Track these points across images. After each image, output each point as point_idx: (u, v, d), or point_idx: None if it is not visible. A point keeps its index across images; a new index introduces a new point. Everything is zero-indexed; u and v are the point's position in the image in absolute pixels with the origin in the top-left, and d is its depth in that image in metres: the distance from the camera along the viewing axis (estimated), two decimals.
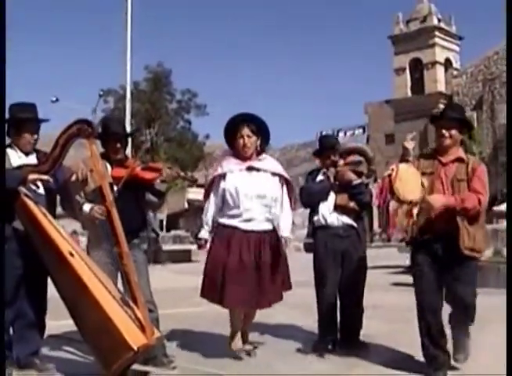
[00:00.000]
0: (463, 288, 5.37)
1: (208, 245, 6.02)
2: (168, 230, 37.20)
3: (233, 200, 5.88)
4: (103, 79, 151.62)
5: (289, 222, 6.07)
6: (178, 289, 12.14)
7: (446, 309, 5.55)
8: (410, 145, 5.70)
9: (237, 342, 6.07)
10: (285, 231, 6.02)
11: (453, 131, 5.52)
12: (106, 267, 5.31)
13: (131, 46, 27.53)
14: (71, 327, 5.49)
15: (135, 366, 5.20)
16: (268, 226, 5.95)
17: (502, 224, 17.01)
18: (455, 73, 53.37)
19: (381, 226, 47.26)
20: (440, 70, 53.27)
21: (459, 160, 5.51)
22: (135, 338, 4.70)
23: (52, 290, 5.36)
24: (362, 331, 6.57)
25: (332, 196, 6.51)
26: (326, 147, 6.70)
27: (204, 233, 6.06)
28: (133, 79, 42.56)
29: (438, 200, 5.28)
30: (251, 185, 5.90)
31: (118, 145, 5.66)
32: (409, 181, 5.26)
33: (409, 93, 54.51)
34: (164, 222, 39.71)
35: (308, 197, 6.62)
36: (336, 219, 6.47)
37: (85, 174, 5.31)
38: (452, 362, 5.53)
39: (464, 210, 5.27)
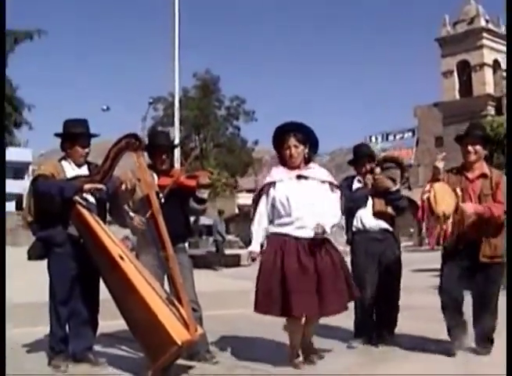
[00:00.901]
0: (484, 284, 6.02)
1: (261, 257, 5.88)
2: None
3: (284, 209, 5.77)
4: (153, 87, 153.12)
5: (332, 219, 5.77)
6: (224, 292, 12.46)
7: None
8: (441, 164, 6.11)
9: (297, 358, 5.87)
10: (325, 223, 5.68)
11: (478, 147, 6.14)
12: (153, 269, 5.71)
13: (179, 53, 27.89)
14: (121, 326, 5.98)
15: (180, 361, 5.62)
16: (310, 233, 5.71)
17: None
18: (504, 74, 52.87)
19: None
20: (488, 72, 52.75)
21: (484, 175, 6.10)
22: (179, 334, 5.14)
23: (103, 292, 5.82)
24: (397, 330, 6.88)
25: (370, 202, 6.85)
26: (362, 155, 7.04)
27: (256, 246, 5.88)
28: (182, 86, 43.39)
29: (470, 207, 5.86)
30: (301, 193, 5.80)
31: (164, 156, 6.06)
32: (445, 199, 5.84)
33: (457, 96, 54.12)
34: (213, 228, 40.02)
35: (348, 203, 6.75)
36: (374, 224, 6.80)
37: (133, 184, 5.72)
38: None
39: (492, 217, 5.86)
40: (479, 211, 5.85)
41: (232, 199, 52.37)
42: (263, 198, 5.94)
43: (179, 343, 5.08)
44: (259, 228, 5.92)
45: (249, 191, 60.58)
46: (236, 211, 58.54)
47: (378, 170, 6.93)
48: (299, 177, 5.88)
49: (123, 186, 5.68)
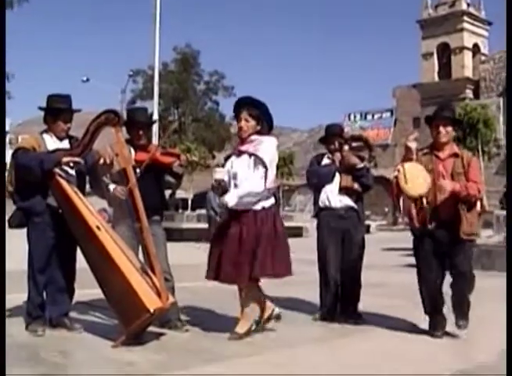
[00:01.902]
0: (461, 260, 6.07)
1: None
2: (194, 209, 37.69)
3: (226, 184, 6.10)
4: (133, 60, 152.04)
5: (240, 192, 5.88)
6: (196, 265, 12.61)
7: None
8: (413, 144, 6.26)
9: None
10: (228, 196, 5.92)
11: (449, 129, 6.24)
12: (129, 240, 5.97)
13: (159, 27, 27.94)
14: (96, 295, 6.27)
15: (152, 328, 5.90)
16: (249, 205, 5.93)
17: None
18: (482, 58, 53.21)
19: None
20: (467, 56, 53.07)
21: (455, 155, 6.20)
22: (151, 302, 5.43)
23: (80, 261, 6.05)
24: (365, 305, 7.17)
25: (337, 178, 7.09)
26: (331, 134, 7.30)
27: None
28: (162, 60, 43.27)
29: (448, 184, 5.96)
30: (233, 167, 6.09)
31: (141, 132, 6.28)
32: (415, 178, 5.94)
33: (437, 78, 54.45)
34: (190, 201, 40.22)
35: (315, 179, 7.19)
36: (338, 201, 7.04)
37: (111, 158, 5.93)
38: (454, 328, 6.22)
39: (468, 196, 5.99)
40: (456, 189, 5.93)
41: (209, 173, 52.38)
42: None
43: (151, 310, 5.37)
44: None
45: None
46: None
47: (346, 147, 7.16)
48: (240, 152, 6.10)
49: (101, 161, 5.90)
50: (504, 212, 17.17)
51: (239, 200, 5.87)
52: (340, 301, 7.09)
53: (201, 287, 8.78)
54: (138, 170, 6.03)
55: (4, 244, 5.86)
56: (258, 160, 5.92)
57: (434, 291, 6.19)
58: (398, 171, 5.99)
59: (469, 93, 51.47)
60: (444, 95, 48.52)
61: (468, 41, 53.02)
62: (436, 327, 6.22)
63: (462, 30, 52.63)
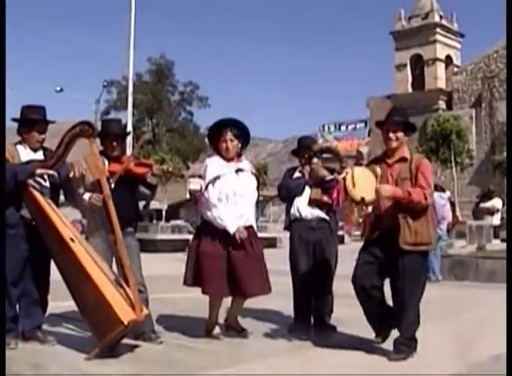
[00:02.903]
0: (401, 272, 5.78)
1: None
2: (168, 220, 37.54)
3: (221, 199, 6.30)
4: (107, 70, 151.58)
5: (252, 213, 6.50)
6: (171, 276, 12.61)
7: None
8: (364, 149, 6.34)
9: (215, 330, 6.58)
10: (250, 221, 6.42)
11: (399, 134, 5.97)
12: (102, 252, 5.95)
13: (134, 38, 27.91)
14: (70, 307, 6.25)
15: (126, 340, 5.86)
16: (249, 222, 6.41)
17: (487, 220, 17.46)
18: (455, 70, 53.58)
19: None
20: (440, 67, 53.39)
21: (403, 159, 5.95)
22: (125, 314, 5.40)
23: (53, 273, 6.01)
24: (338, 317, 7.19)
25: (307, 191, 7.12)
26: (303, 147, 7.34)
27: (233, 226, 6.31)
28: (136, 71, 43.18)
29: (388, 190, 5.71)
30: (240, 185, 6.38)
31: (115, 143, 6.28)
32: (362, 183, 5.73)
33: (410, 89, 54.72)
34: (164, 212, 40.04)
35: (285, 192, 7.26)
36: (309, 213, 7.07)
37: (81, 171, 5.91)
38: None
39: (411, 203, 5.68)
40: (398, 195, 5.68)
41: (183, 184, 52.34)
42: (210, 188, 6.36)
43: (125, 322, 5.35)
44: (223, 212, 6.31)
45: (201, 177, 60.46)
46: (187, 196, 58.55)
47: (315, 160, 7.17)
48: (238, 170, 6.41)
49: (71, 174, 5.90)
50: (477, 222, 17.34)
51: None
52: (313, 312, 7.10)
53: (175, 299, 8.77)
54: (111, 181, 6.02)
55: (3, 245, 5.79)
56: (254, 181, 6.56)
57: (362, 292, 6.00)
58: (347, 173, 5.77)
59: (442, 104, 51.79)
60: (417, 106, 48.71)
61: (441, 52, 53.32)
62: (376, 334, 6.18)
63: (435, 41, 52.95)
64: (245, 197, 6.39)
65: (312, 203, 7.06)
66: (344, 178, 5.75)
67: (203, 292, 6.33)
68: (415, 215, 5.75)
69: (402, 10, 55.26)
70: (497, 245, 15.79)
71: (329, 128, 63.25)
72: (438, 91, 52.45)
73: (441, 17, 53.95)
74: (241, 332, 6.64)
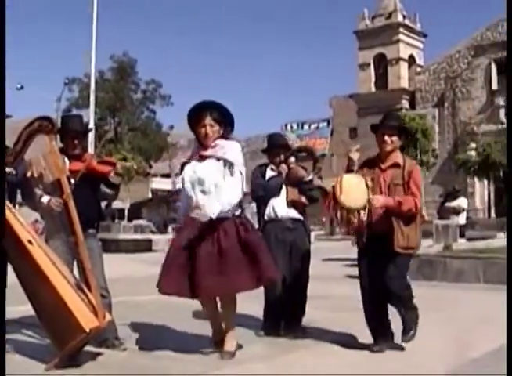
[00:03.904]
0: (391, 282, 5.89)
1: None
2: (130, 220, 37.26)
3: (188, 191, 5.73)
4: (69, 67, 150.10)
5: (222, 200, 5.58)
6: (134, 277, 12.42)
7: None
8: (355, 156, 6.14)
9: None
10: (210, 209, 5.53)
11: (394, 138, 6.06)
12: (63, 255, 5.65)
13: (96, 35, 27.61)
14: (28, 312, 5.91)
15: (88, 348, 5.58)
16: (210, 214, 5.54)
17: (453, 220, 17.51)
18: (418, 70, 54.02)
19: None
20: (403, 67, 53.82)
21: (396, 165, 6.02)
22: (87, 321, 5.11)
23: (10, 277, 5.68)
24: (309, 318, 7.00)
25: (284, 191, 6.91)
26: (275, 145, 7.11)
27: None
28: (98, 68, 42.90)
29: (379, 200, 5.80)
30: (196, 173, 5.72)
31: (75, 141, 5.99)
32: (352, 191, 5.77)
33: (373, 88, 55.04)
34: (126, 212, 39.77)
35: (263, 192, 6.96)
36: (285, 213, 6.88)
37: (40, 170, 5.63)
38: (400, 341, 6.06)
39: (401, 212, 5.81)
40: (389, 205, 5.80)
41: (145, 183, 52.10)
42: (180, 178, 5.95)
43: (87, 330, 5.05)
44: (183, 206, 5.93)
45: (163, 176, 60.40)
46: (150, 195, 58.29)
47: (292, 159, 7.01)
48: (201, 157, 5.80)
49: (28, 173, 5.63)
50: (443, 222, 17.36)
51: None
52: (284, 315, 6.89)
53: (139, 302, 8.54)
54: (72, 180, 5.73)
55: (3, 243, 5.48)
56: (229, 166, 5.70)
57: (374, 303, 6.05)
58: (336, 181, 5.83)
59: (405, 103, 52.12)
60: (380, 105, 48.92)
61: (404, 52, 53.69)
62: (376, 341, 6.07)
63: (398, 41, 53.29)
64: (207, 186, 5.66)
65: (290, 203, 6.88)
66: (334, 187, 5.79)
67: (159, 291, 5.79)
68: (406, 221, 5.89)
69: (365, 10, 55.71)
70: (463, 244, 16.01)
71: (291, 126, 63.45)
72: (401, 90, 52.85)
73: (404, 17, 54.41)
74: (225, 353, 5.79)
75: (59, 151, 5.67)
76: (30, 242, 5.39)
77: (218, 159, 5.71)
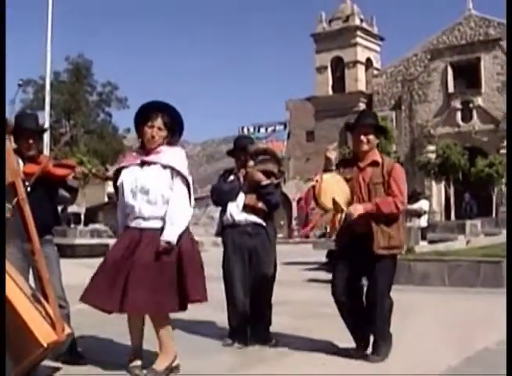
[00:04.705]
0: (375, 276, 5.80)
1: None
2: (86, 224, 36.67)
3: (126, 198, 5.42)
4: (23, 69, 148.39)
5: (176, 220, 5.29)
6: None
7: None
8: (332, 155, 6.00)
9: (134, 361, 5.50)
10: (167, 233, 5.24)
11: (371, 137, 5.93)
12: (18, 263, 5.29)
13: (51, 35, 27.12)
14: None
15: (45, 362, 5.26)
16: (158, 224, 5.30)
17: (415, 222, 17.53)
18: (375, 72, 54.28)
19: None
20: (361, 70, 54.07)
21: (375, 163, 5.90)
22: (45, 335, 4.73)
23: None
24: (273, 326, 6.77)
25: (241, 196, 6.67)
26: (238, 148, 6.88)
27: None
28: (53, 70, 42.26)
29: (357, 210, 5.69)
30: (137, 180, 5.36)
31: (30, 141, 5.68)
32: (332, 191, 5.67)
33: (331, 91, 55.15)
34: (83, 216, 39.14)
35: (217, 197, 6.81)
36: (244, 218, 6.63)
37: None
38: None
39: (381, 215, 5.70)
40: (368, 210, 5.69)
41: (101, 187, 51.57)
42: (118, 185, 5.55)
43: (44, 345, 4.67)
44: (121, 215, 5.60)
45: None
46: (106, 199, 57.67)
47: (251, 163, 6.77)
48: (143, 163, 5.43)
49: None
50: (408, 224, 17.32)
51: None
52: (250, 323, 6.65)
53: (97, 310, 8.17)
54: (27, 184, 5.37)
55: (3, 244, 5.11)
56: (176, 174, 5.34)
57: (344, 303, 5.91)
58: (316, 181, 5.72)
59: (362, 106, 52.15)
60: (338, 108, 49.22)
61: (361, 55, 53.89)
62: (357, 346, 5.96)
63: (355, 44, 53.43)
64: (152, 196, 5.31)
65: (247, 209, 6.62)
66: (314, 187, 5.69)
67: (80, 299, 5.42)
68: (387, 221, 5.77)
69: (322, 13, 55.78)
70: (425, 247, 16.13)
71: (248, 129, 63.30)
72: (358, 93, 53.04)
73: (361, 20, 54.73)
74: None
75: (13, 152, 5.31)
76: None
77: (164, 167, 5.36)
